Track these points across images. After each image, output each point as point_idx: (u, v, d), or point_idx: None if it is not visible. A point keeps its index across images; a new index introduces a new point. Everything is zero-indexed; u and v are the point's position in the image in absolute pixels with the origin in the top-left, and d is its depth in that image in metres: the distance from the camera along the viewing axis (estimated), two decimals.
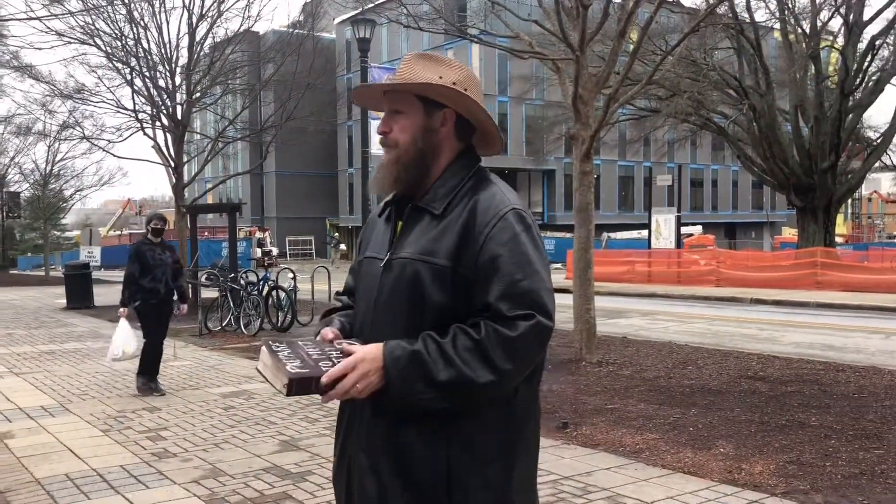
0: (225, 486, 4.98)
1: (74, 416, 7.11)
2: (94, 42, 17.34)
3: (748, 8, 21.20)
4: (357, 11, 17.09)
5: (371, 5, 16.88)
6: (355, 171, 52.13)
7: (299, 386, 1.64)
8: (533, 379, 1.81)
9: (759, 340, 12.06)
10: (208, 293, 14.67)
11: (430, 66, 1.84)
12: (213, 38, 18.54)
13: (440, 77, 1.81)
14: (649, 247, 26.82)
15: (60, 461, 5.63)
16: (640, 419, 6.57)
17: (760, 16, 23.48)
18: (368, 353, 1.68)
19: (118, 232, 69.05)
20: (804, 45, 22.28)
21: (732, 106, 22.60)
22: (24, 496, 4.86)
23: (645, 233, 31.03)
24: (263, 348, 1.75)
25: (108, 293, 22.81)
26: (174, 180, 17.97)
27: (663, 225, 26.63)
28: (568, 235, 37.06)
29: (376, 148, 16.23)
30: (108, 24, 17.25)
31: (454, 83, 1.81)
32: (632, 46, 11.34)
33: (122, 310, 8.21)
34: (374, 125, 16.15)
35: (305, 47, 19.11)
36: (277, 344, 1.77)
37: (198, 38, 17.87)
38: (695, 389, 7.76)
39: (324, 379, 1.65)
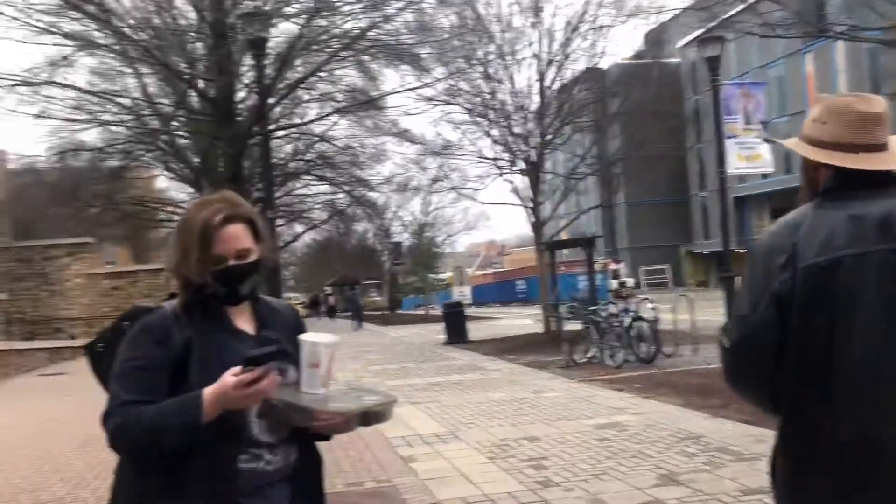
0: None
1: (463, 443, 7.74)
2: (457, 101, 19.13)
3: None
4: (703, 31, 16.61)
5: (715, 22, 16.29)
6: (709, 194, 50.16)
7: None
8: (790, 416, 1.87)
9: None
10: (571, 326, 15.11)
11: (811, 110, 2.01)
12: (561, 80, 19.34)
13: (809, 119, 1.98)
14: None
15: (457, 485, 6.15)
16: None
17: None
18: None
19: (483, 271, 74.53)
20: None
21: None
22: None
23: None
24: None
25: (479, 328, 24.63)
26: (533, 219, 18.93)
27: None
28: None
29: (733, 168, 15.45)
30: (467, 84, 18.93)
31: (814, 119, 1.95)
32: None
33: None
34: (729, 144, 15.40)
35: (650, 76, 19.04)
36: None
37: (547, 83, 18.77)
38: None
39: None
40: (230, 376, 1.75)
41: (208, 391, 1.76)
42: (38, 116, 16.98)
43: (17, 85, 14.67)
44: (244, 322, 2.01)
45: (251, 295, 2.01)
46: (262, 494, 1.90)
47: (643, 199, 55.40)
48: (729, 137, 14.57)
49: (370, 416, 1.90)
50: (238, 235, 1.94)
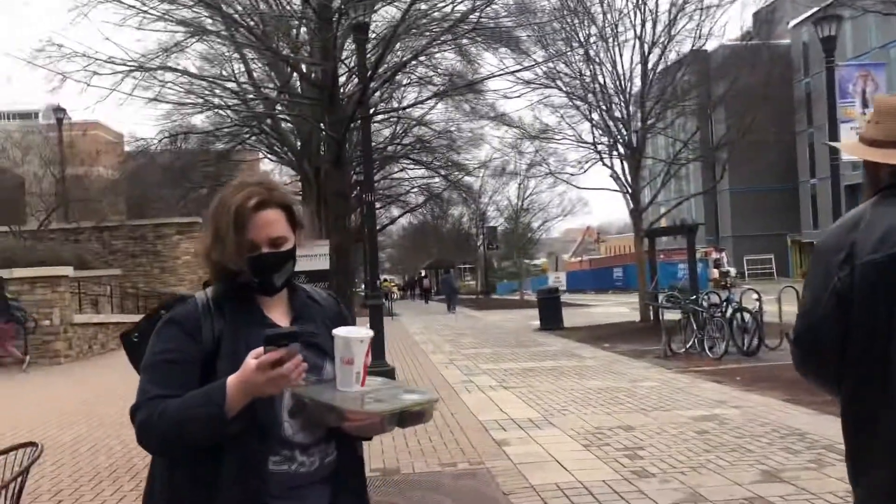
0: None
1: (557, 429, 7.69)
2: (556, 85, 18.88)
3: None
4: (816, 10, 15.80)
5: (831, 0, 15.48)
6: (819, 181, 47.92)
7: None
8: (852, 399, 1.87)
9: None
10: (670, 315, 14.75)
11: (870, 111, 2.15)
12: (665, 62, 18.81)
13: (867, 120, 2.05)
14: None
15: (550, 471, 6.13)
16: None
17: None
18: None
19: (579, 258, 73.70)
20: None
21: None
22: (523, 499, 5.41)
23: None
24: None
25: (574, 315, 24.39)
26: (632, 206, 18.54)
27: None
28: None
29: (847, 156, 14.68)
30: (567, 67, 18.66)
31: (867, 120, 2.04)
32: None
33: None
34: (844, 129, 14.62)
35: (759, 58, 18.27)
36: None
37: (650, 66, 18.30)
38: None
39: None
40: (251, 359, 1.64)
41: (232, 379, 1.67)
42: (152, 100, 17.76)
43: (133, 70, 15.36)
44: (279, 314, 1.89)
45: (286, 285, 1.89)
46: (296, 496, 1.79)
47: (749, 185, 53.32)
48: (844, 122, 13.85)
49: (407, 417, 1.76)
50: (272, 222, 1.81)
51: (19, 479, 3.52)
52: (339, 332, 1.78)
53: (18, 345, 15.93)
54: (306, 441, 1.80)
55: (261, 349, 1.63)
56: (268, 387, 1.65)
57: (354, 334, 1.77)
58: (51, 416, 9.71)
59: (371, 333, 1.80)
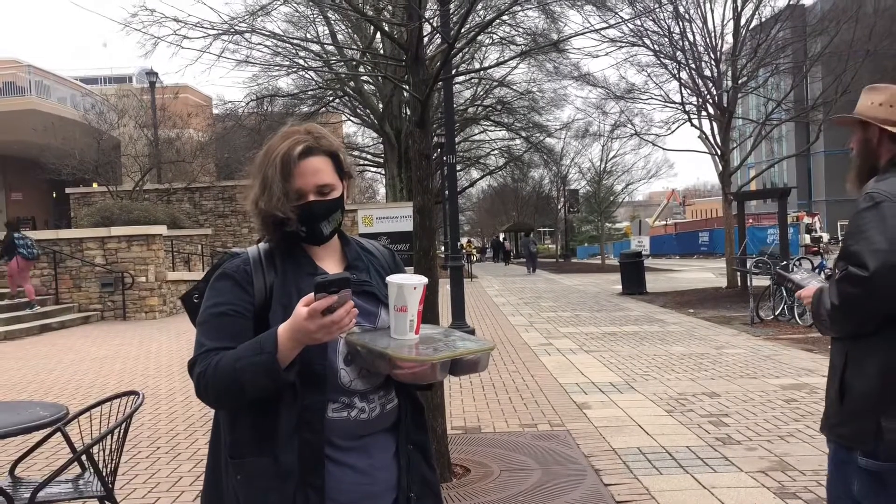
0: (795, 482, 4.79)
1: (639, 394, 7.62)
2: (643, 42, 18.33)
3: None
4: None
5: None
6: None
7: None
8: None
9: None
10: (758, 281, 14.32)
11: (867, 96, 2.39)
12: (759, 18, 18.01)
13: (871, 103, 2.35)
14: None
15: (631, 435, 6.09)
16: None
17: None
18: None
19: (663, 222, 72.17)
20: None
21: None
22: (604, 462, 5.39)
23: None
24: None
25: (657, 280, 23.97)
26: (720, 168, 17.97)
27: None
28: None
29: None
30: (655, 24, 18.07)
31: (881, 104, 2.32)
32: None
33: None
34: None
35: (864, 10, 17.25)
36: None
37: (743, 22, 17.55)
38: None
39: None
40: (302, 307, 1.61)
41: (283, 327, 1.65)
42: (241, 62, 18.13)
43: (221, 34, 15.69)
44: (332, 265, 1.87)
45: (335, 234, 1.88)
46: (359, 446, 1.78)
47: (845, 147, 50.86)
48: None
49: (460, 366, 1.73)
50: (318, 169, 1.80)
51: (123, 425, 3.72)
52: (393, 279, 1.75)
53: (99, 293, 16.80)
54: (364, 388, 1.78)
55: (311, 296, 1.60)
56: (319, 334, 1.62)
57: (408, 281, 1.73)
58: (149, 368, 10.20)
59: (424, 280, 1.75)
